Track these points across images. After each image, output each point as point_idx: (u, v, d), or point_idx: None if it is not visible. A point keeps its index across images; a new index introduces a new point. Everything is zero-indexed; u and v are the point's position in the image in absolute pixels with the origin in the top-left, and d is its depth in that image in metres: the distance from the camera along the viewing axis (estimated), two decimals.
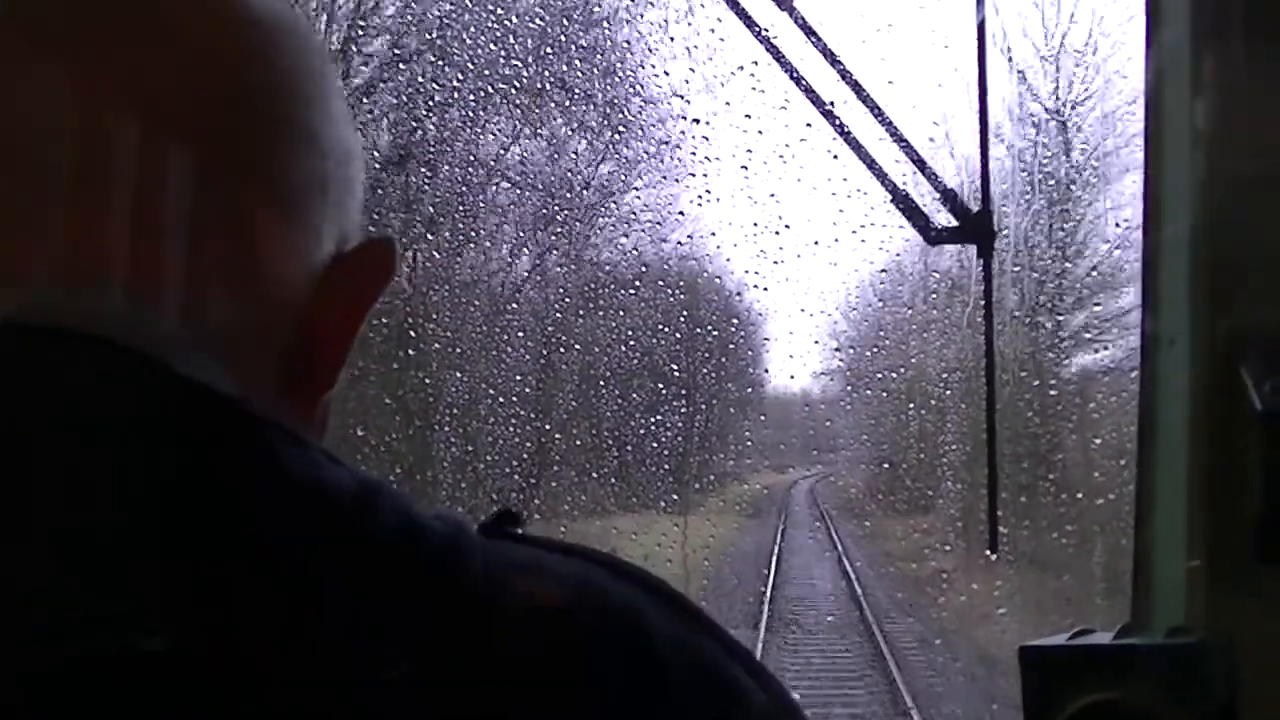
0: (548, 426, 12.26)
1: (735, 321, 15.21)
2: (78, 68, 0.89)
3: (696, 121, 11.89)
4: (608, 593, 0.89)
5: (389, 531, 0.84)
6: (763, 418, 18.89)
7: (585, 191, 12.29)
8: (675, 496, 13.95)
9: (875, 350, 17.11)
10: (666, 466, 14.31)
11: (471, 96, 11.03)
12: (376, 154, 10.86)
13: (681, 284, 13.61)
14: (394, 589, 0.81)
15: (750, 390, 16.99)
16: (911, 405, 15.96)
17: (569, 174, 12.11)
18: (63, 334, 0.84)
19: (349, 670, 0.78)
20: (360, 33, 11.15)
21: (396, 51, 11.16)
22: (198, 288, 0.89)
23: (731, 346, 15.51)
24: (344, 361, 0.98)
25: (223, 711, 0.76)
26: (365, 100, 10.82)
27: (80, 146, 0.87)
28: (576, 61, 12.56)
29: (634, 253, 12.52)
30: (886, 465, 18.97)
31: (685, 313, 13.99)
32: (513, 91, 11.32)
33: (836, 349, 17.89)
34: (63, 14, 0.91)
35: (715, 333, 14.76)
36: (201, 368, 0.85)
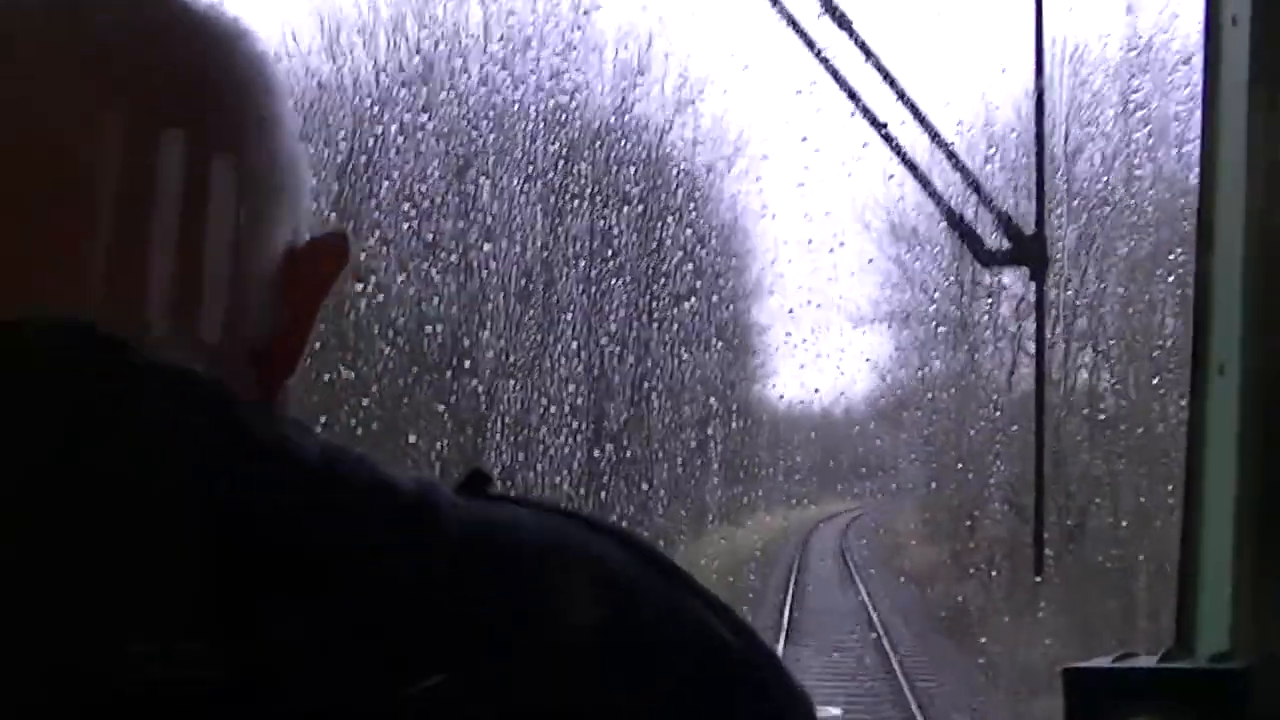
0: (599, 441, 12.24)
1: (787, 338, 15.16)
2: (37, 67, 0.91)
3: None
4: (583, 549, 0.91)
5: (361, 494, 0.85)
6: (813, 435, 18.79)
7: (641, 207, 12.28)
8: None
9: (926, 370, 17.01)
10: (716, 480, 14.29)
11: (533, 109, 11.06)
12: (436, 165, 10.90)
13: (736, 300, 13.60)
14: (371, 549, 0.83)
15: (801, 405, 16.94)
16: (963, 426, 15.86)
17: (625, 188, 12.10)
18: (38, 325, 0.85)
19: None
20: (428, 45, 11.20)
21: (460, 62, 11.20)
22: (174, 282, 0.91)
23: (783, 363, 15.47)
24: (304, 349, 1.00)
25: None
26: (427, 113, 10.85)
27: (50, 147, 0.90)
28: (636, 76, 12.58)
29: (689, 267, 12.50)
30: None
31: (737, 328, 13.97)
32: (572, 105, 11.34)
33: (887, 369, 17.80)
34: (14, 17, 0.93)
35: (766, 348, 14.73)
36: (177, 355, 0.87)
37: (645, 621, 0.89)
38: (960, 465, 15.98)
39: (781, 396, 15.63)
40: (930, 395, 17.01)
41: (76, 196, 0.90)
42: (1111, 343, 14.02)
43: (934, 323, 16.09)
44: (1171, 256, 11.67)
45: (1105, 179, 13.32)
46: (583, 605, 0.87)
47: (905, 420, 18.51)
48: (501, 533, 0.89)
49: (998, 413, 13.95)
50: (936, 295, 15.68)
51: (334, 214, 10.00)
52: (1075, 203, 12.80)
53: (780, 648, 14.86)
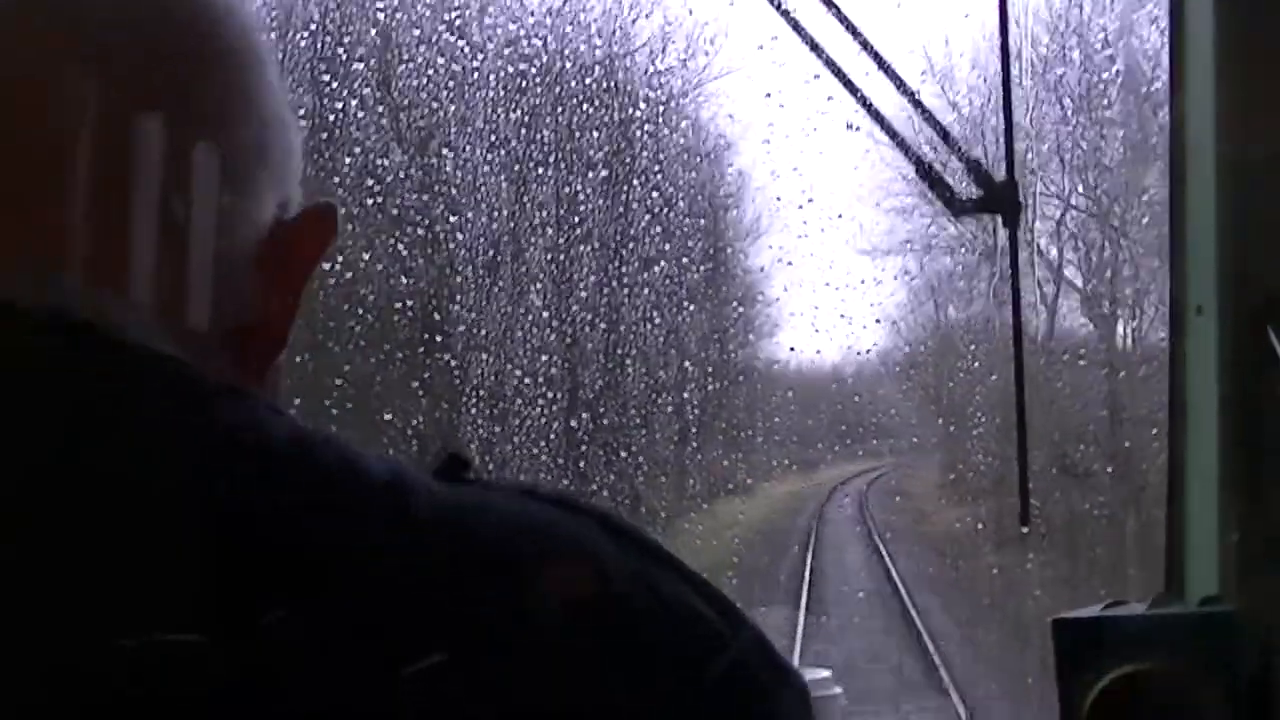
0: (575, 410, 12.26)
1: (761, 297, 15.19)
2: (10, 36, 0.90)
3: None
4: (561, 531, 0.89)
5: (330, 474, 0.84)
6: (790, 393, 18.80)
7: (606, 171, 12.27)
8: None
9: (901, 323, 17.03)
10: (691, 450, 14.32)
11: (493, 77, 11.03)
12: (399, 137, 10.87)
13: (706, 262, 13.61)
14: (337, 527, 0.81)
15: (776, 366, 16.97)
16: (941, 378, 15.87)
17: (590, 153, 12.08)
18: (15, 311, 0.84)
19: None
20: (384, 17, 11.16)
21: (417, 33, 11.15)
22: (148, 257, 0.90)
23: (757, 323, 15.51)
24: (292, 324, 0.99)
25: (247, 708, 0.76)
26: (386, 86, 10.82)
27: (24, 121, 0.88)
28: (595, 39, 12.55)
29: (657, 230, 12.50)
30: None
31: (709, 289, 13.98)
32: (532, 71, 11.32)
33: (864, 325, 17.81)
34: None
35: (740, 309, 14.76)
36: (153, 337, 0.86)
37: (632, 610, 0.86)
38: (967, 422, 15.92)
39: (758, 356, 15.66)
40: (906, 348, 17.03)
41: (61, 178, 0.88)
42: (1087, 287, 14.06)
43: (905, 273, 16.06)
44: (1144, 197, 11.70)
45: (1075, 120, 13.32)
46: (566, 592, 0.84)
47: (885, 375, 18.55)
48: (473, 516, 0.86)
49: (975, 364, 13.96)
50: (908, 246, 15.65)
51: (302, 194, 9.96)
52: (1045, 147, 12.80)
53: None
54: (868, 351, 16.55)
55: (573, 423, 12.07)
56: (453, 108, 10.96)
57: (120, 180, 0.89)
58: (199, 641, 0.74)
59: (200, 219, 0.92)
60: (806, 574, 16.82)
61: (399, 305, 10.68)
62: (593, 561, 0.87)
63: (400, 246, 10.68)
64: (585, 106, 11.87)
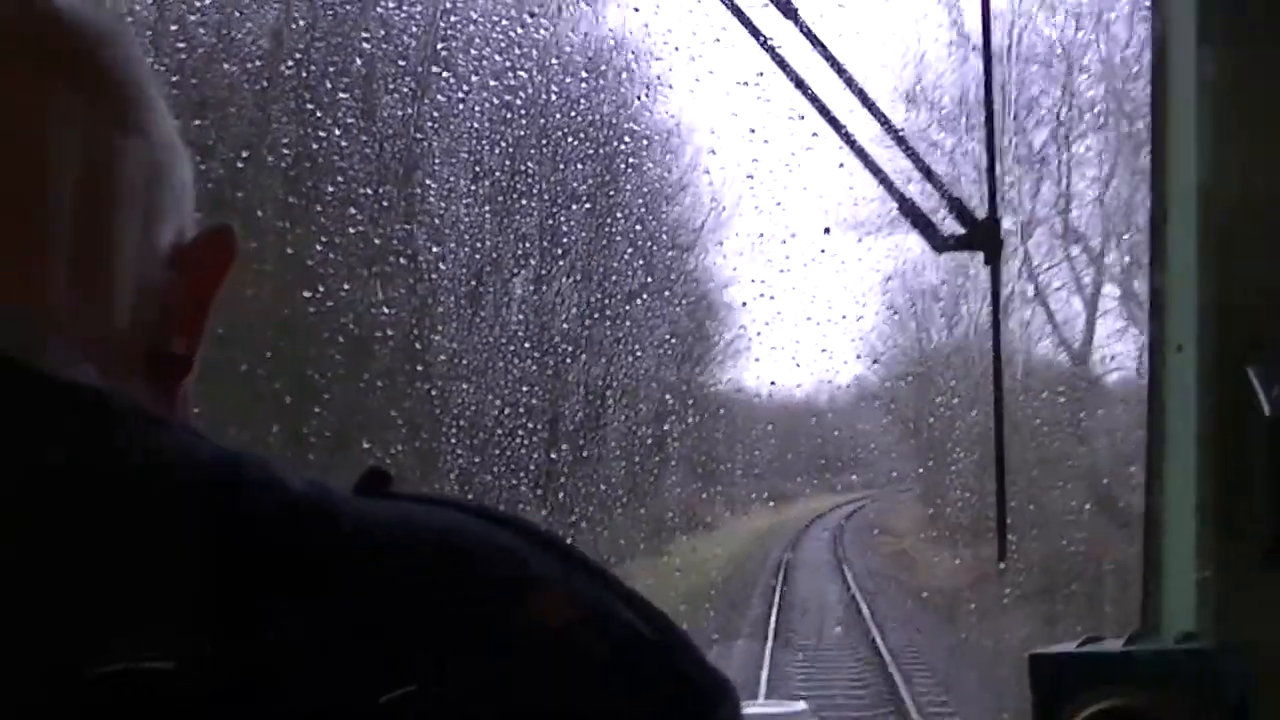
0: (556, 442, 12.22)
1: (743, 331, 15.18)
2: None
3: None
4: (489, 541, 0.89)
5: (256, 498, 0.84)
6: (770, 426, 18.78)
7: (589, 204, 12.27)
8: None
9: (882, 358, 17.02)
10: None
11: (478, 108, 11.02)
12: (383, 167, 10.86)
13: (688, 295, 13.61)
14: (267, 553, 0.81)
15: (758, 399, 16.95)
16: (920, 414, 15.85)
17: (573, 186, 12.08)
18: None
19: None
20: (370, 47, 11.15)
21: (402, 64, 11.16)
22: (59, 287, 0.90)
23: (739, 357, 15.49)
24: (199, 348, 0.99)
25: None
26: (371, 116, 10.82)
27: None
28: (581, 71, 12.57)
29: (640, 263, 12.49)
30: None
31: (691, 323, 13.98)
32: (517, 103, 11.31)
33: (845, 361, 17.80)
34: None
35: (722, 343, 14.76)
36: (65, 364, 0.86)
37: (561, 616, 0.87)
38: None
39: (739, 390, 15.65)
40: (888, 384, 17.02)
41: None
42: (1067, 325, 14.08)
43: (888, 308, 16.07)
44: (1126, 236, 11.73)
45: (1060, 159, 13.35)
46: (489, 606, 0.85)
47: (864, 410, 18.53)
48: (396, 529, 0.87)
49: (955, 400, 13.95)
50: (889, 283, 15.65)
51: (285, 222, 9.95)
52: (1030, 183, 12.83)
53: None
54: (848, 385, 16.54)
55: (553, 454, 12.04)
56: (437, 139, 10.96)
57: (24, 205, 0.89)
58: (208, 649, 0.74)
59: (103, 247, 0.93)
60: (776, 602, 16.93)
61: (379, 335, 10.65)
62: (524, 571, 0.88)
63: (382, 276, 10.66)
64: (570, 139, 11.86)
